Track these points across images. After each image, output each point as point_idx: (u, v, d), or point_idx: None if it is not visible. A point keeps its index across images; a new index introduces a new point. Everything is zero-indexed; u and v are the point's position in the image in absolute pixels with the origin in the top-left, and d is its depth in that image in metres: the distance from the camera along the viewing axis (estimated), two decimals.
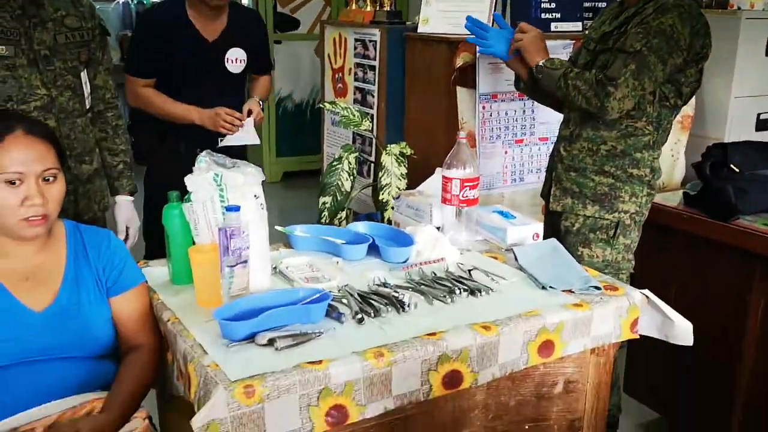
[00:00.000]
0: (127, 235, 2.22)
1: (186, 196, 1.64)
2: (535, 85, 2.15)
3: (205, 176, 1.59)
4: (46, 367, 1.41)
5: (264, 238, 1.65)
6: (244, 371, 1.27)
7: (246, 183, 1.61)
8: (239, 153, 2.48)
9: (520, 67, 2.19)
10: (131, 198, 2.26)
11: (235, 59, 2.57)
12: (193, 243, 1.65)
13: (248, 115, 2.53)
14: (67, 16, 2.03)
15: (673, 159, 3.14)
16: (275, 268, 1.74)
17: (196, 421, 1.20)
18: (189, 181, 1.61)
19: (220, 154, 1.71)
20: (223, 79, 2.56)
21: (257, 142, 2.60)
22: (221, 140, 2.50)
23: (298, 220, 2.03)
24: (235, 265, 1.52)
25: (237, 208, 1.53)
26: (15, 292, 1.42)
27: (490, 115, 2.69)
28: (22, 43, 1.92)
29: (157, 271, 1.74)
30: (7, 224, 1.40)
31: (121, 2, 6.06)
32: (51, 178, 1.43)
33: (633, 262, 2.15)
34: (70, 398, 1.41)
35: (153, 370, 1.52)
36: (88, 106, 2.14)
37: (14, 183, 1.38)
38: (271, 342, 1.36)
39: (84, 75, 2.11)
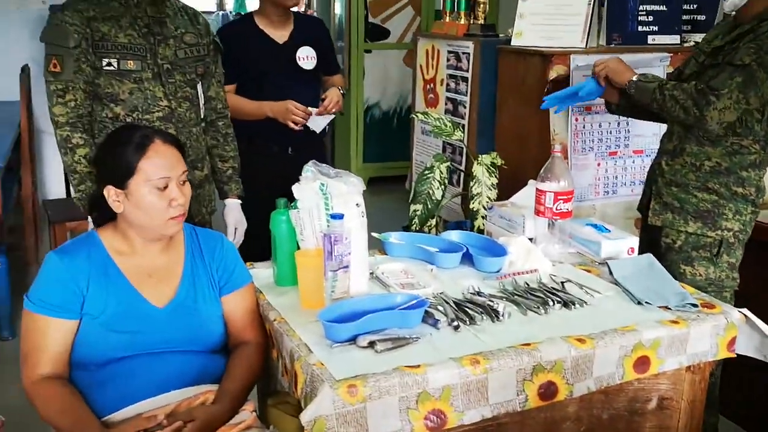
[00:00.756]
0: (235, 235, 2.35)
1: (293, 203, 1.73)
2: (629, 103, 2.15)
3: (311, 185, 1.69)
4: (165, 359, 1.53)
5: (364, 244, 1.72)
6: (348, 371, 1.34)
7: (348, 192, 1.69)
8: (324, 157, 2.64)
9: (612, 93, 2.21)
10: (239, 201, 2.39)
11: (306, 56, 2.75)
12: (298, 247, 1.74)
13: (322, 103, 2.68)
14: (186, 34, 2.17)
15: None
16: (372, 273, 1.81)
17: (305, 416, 1.28)
18: (296, 189, 1.70)
19: (324, 164, 1.80)
20: (297, 76, 2.73)
21: (318, 129, 2.72)
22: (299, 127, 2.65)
23: (383, 225, 2.09)
24: (337, 270, 1.61)
25: (341, 216, 1.61)
26: (139, 288, 1.55)
27: (583, 127, 2.69)
28: (147, 58, 2.07)
29: (261, 273, 1.84)
30: (152, 225, 1.53)
31: (220, 14, 6.33)
32: (184, 180, 1.57)
33: (737, 280, 2.10)
34: (187, 389, 1.53)
35: (260, 366, 1.62)
36: (201, 116, 2.28)
37: (163, 187, 1.52)
38: (371, 344, 1.43)
39: (199, 87, 2.26)
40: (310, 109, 2.64)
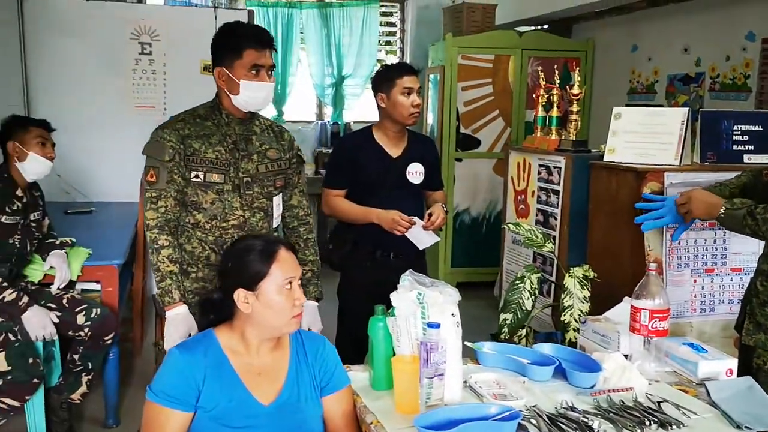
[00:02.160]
0: None
1: (390, 310, 1.83)
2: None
3: (408, 294, 1.78)
4: None
5: (458, 353, 1.78)
6: None
7: (444, 302, 1.77)
8: (424, 265, 2.74)
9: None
10: (317, 303, 2.50)
11: (415, 172, 2.93)
12: (394, 353, 1.82)
13: (428, 218, 2.81)
14: (270, 149, 2.37)
15: None
16: (465, 382, 1.86)
17: None
18: (394, 297, 1.80)
19: (420, 274, 1.90)
20: (404, 189, 2.91)
21: (435, 240, 2.87)
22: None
23: (471, 331, 2.11)
24: (433, 377, 1.67)
25: (437, 325, 1.69)
26: (249, 386, 1.66)
27: (678, 243, 2.69)
28: (230, 171, 2.27)
29: (357, 375, 1.92)
30: (277, 323, 1.67)
31: (319, 123, 6.73)
32: (300, 281, 1.71)
33: None
34: None
35: None
36: (275, 226, 2.42)
37: (289, 287, 1.67)
38: None
39: (277, 198, 2.42)
40: (414, 219, 2.78)
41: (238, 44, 2.22)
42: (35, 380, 2.67)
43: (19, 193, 2.84)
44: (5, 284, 2.66)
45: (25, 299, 2.67)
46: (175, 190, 2.22)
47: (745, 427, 1.63)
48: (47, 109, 4.29)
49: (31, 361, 2.65)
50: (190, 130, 2.25)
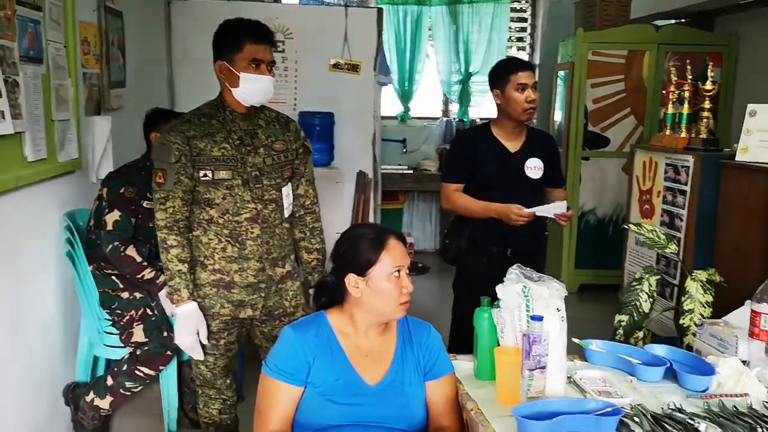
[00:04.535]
0: None
1: (496, 302, 1.87)
2: None
3: (514, 287, 1.81)
4: None
5: (562, 348, 1.79)
6: None
7: (550, 296, 1.78)
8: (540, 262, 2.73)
9: None
10: None
11: (534, 167, 2.90)
12: (498, 344, 1.85)
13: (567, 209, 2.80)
14: (276, 141, 2.40)
15: None
16: (570, 377, 1.86)
17: None
18: (500, 290, 1.84)
19: (528, 268, 1.92)
20: (523, 184, 2.89)
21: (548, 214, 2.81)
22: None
23: (590, 333, 2.11)
24: (534, 369, 1.69)
25: (540, 318, 1.71)
26: (356, 366, 1.76)
27: None
28: (238, 167, 2.32)
29: (462, 365, 1.97)
30: (385, 309, 1.76)
31: (444, 120, 6.79)
32: (408, 270, 1.78)
33: None
34: None
35: None
36: (286, 215, 2.45)
37: (397, 275, 1.75)
38: None
39: (286, 188, 2.44)
40: (542, 208, 2.77)
41: (239, 38, 2.28)
42: (168, 352, 2.91)
43: None
44: (145, 263, 2.91)
45: (162, 278, 2.91)
46: (182, 191, 2.30)
47: None
48: (190, 104, 4.61)
49: (165, 334, 2.90)
50: (195, 130, 2.31)
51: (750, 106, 2.87)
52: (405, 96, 6.61)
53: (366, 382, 1.75)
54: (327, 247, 2.54)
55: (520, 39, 6.80)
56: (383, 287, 1.74)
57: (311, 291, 2.49)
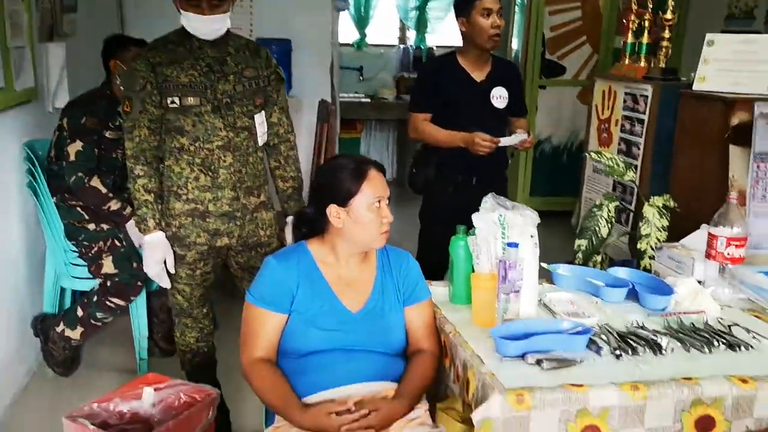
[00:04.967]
0: None
1: (471, 230, 1.93)
2: None
3: (490, 215, 1.87)
4: (355, 356, 1.77)
5: (535, 272, 1.88)
6: (516, 382, 1.50)
7: (525, 224, 1.86)
8: (505, 190, 2.80)
9: None
10: None
11: (499, 96, 2.94)
12: (473, 270, 1.93)
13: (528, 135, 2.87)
14: (246, 68, 2.37)
15: None
16: (540, 300, 1.96)
17: (476, 416, 1.46)
18: (476, 218, 1.90)
19: (501, 197, 1.98)
20: (489, 113, 2.93)
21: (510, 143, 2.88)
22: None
23: (548, 258, 2.16)
24: (509, 293, 1.77)
25: (516, 245, 1.78)
26: (338, 294, 1.82)
27: (765, 174, 2.65)
28: (207, 94, 2.29)
29: (437, 290, 2.04)
30: (366, 238, 1.80)
31: (401, 47, 6.72)
32: (388, 201, 1.82)
33: None
34: (371, 383, 1.76)
35: (433, 372, 1.82)
36: (260, 144, 2.45)
37: (378, 206, 1.78)
38: (538, 362, 1.59)
39: (260, 116, 2.42)
40: (496, 139, 2.81)
41: None
42: (139, 283, 2.93)
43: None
44: (110, 194, 2.89)
45: (129, 209, 2.89)
46: (148, 119, 2.28)
47: None
48: (140, 29, 4.32)
49: (135, 265, 2.90)
50: (162, 57, 2.28)
51: (708, 36, 2.94)
52: (361, 22, 6.51)
53: (348, 309, 1.81)
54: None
55: None
56: (364, 217, 1.78)
57: (288, 220, 2.53)
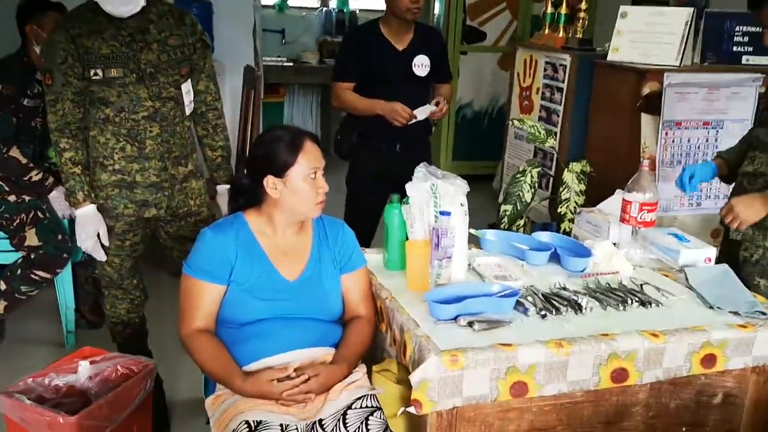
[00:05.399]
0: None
1: (404, 199, 2.00)
2: None
3: (423, 185, 1.94)
4: (294, 323, 1.82)
5: (465, 239, 1.97)
6: (450, 344, 1.60)
7: (455, 192, 1.94)
8: (429, 157, 2.89)
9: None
10: (228, 187, 2.46)
11: (421, 64, 3.00)
12: (407, 238, 2.01)
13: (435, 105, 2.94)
14: (170, 36, 2.32)
15: None
16: (470, 265, 2.06)
17: (414, 377, 1.54)
18: (409, 187, 1.97)
19: (432, 166, 2.06)
20: (411, 82, 2.99)
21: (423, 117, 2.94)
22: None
23: (471, 221, 2.21)
24: (442, 259, 1.86)
25: (449, 213, 1.86)
26: (276, 264, 1.85)
27: (673, 141, 2.84)
28: (130, 64, 2.25)
29: (371, 257, 2.10)
30: (303, 208, 1.83)
31: (323, 10, 6.66)
32: (323, 172, 1.86)
33: None
34: (311, 350, 1.82)
35: (370, 337, 1.90)
36: (187, 113, 2.42)
37: (314, 177, 1.81)
38: (470, 324, 1.68)
39: (186, 85, 2.39)
40: (414, 112, 2.89)
41: None
42: (64, 255, 2.87)
43: (39, 76, 2.90)
44: (31, 165, 2.79)
45: (51, 180, 2.81)
46: (71, 92, 2.24)
47: (717, 307, 1.84)
48: None
49: (60, 237, 2.84)
50: (81, 28, 2.23)
51: (622, 8, 3.08)
52: None
53: (286, 278, 1.85)
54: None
55: None
56: (301, 188, 1.81)
57: (223, 189, 2.53)
